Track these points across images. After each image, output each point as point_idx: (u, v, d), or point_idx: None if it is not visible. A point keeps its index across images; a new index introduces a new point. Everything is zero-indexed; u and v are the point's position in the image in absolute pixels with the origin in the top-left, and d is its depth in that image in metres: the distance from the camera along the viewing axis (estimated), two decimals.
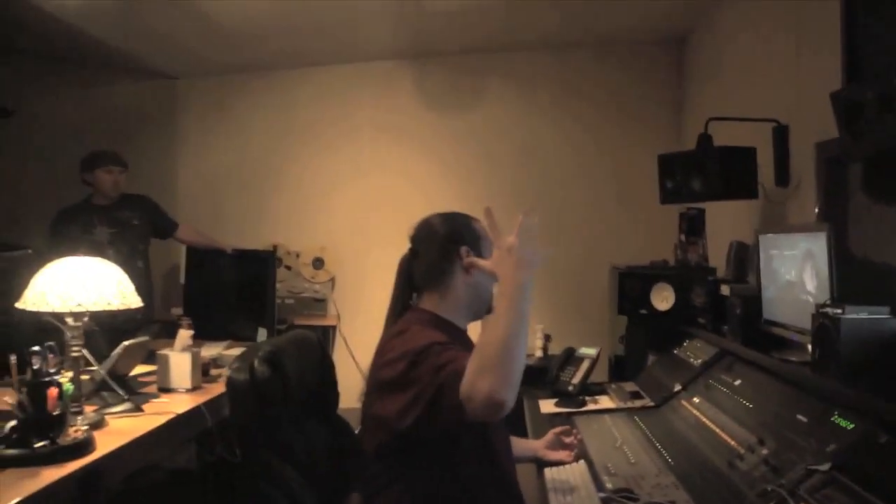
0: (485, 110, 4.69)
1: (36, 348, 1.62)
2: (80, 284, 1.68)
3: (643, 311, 3.14)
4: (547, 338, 4.26)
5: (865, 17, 2.48)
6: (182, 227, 3.87)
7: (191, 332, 2.41)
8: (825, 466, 1.52)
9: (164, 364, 2.37)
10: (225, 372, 2.59)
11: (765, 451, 1.74)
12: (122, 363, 2.24)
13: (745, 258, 2.82)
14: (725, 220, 3.53)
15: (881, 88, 1.89)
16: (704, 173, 2.99)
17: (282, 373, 1.61)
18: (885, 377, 1.64)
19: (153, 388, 2.39)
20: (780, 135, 2.99)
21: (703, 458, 1.90)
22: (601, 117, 4.58)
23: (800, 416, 1.77)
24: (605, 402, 2.59)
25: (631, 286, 3.27)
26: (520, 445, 1.99)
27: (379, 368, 1.59)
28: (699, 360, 2.51)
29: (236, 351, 2.87)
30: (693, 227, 3.51)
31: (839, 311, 1.69)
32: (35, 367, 1.60)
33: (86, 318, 1.69)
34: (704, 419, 2.11)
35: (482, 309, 1.77)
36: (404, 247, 1.91)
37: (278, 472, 1.54)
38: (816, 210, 2.68)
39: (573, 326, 4.32)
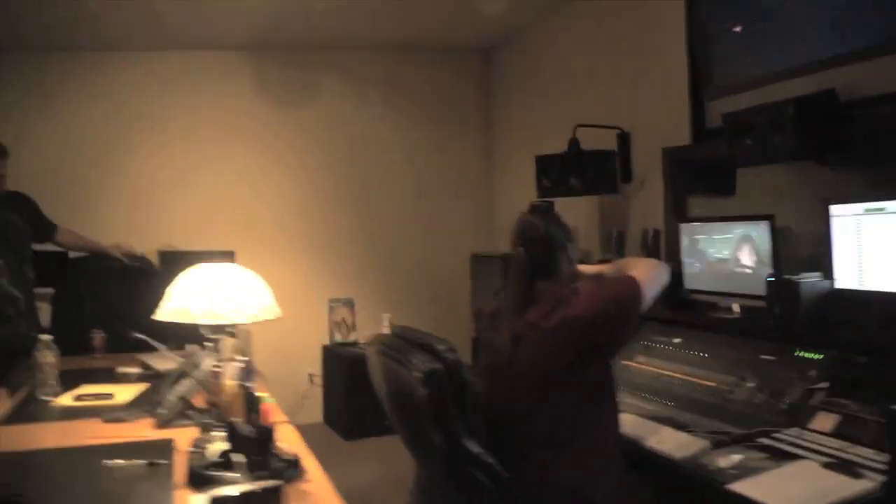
0: (320, 105, 4.76)
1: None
2: (228, 295, 1.53)
3: None
4: None
5: (706, 42, 3.19)
6: (60, 228, 3.26)
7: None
8: (824, 384, 2.09)
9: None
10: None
11: (751, 384, 2.26)
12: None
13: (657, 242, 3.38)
14: (568, 211, 4.17)
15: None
16: (579, 172, 3.57)
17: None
18: (821, 321, 2.29)
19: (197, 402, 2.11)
20: (623, 140, 3.72)
21: (694, 398, 2.35)
22: (426, 115, 4.99)
23: (763, 356, 2.33)
24: None
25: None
26: None
27: (577, 322, 1.81)
28: None
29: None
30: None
31: (797, 277, 2.32)
32: (244, 383, 1.45)
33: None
34: (664, 371, 2.58)
35: None
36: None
37: (472, 450, 1.65)
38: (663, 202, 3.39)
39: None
